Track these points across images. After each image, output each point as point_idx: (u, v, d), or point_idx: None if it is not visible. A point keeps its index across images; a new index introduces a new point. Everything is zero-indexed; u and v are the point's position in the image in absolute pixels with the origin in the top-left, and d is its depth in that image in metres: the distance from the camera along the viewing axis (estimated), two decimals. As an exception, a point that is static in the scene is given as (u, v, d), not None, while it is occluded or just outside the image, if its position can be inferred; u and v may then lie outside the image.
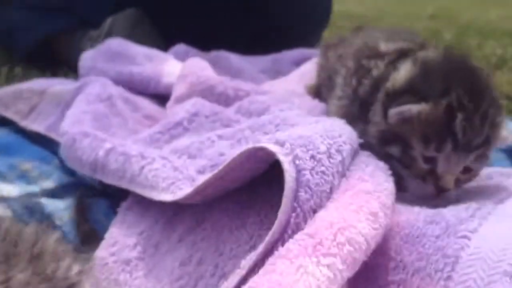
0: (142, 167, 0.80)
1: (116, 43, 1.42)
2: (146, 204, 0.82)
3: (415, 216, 0.70)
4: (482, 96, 0.77)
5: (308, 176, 0.61)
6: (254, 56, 1.76)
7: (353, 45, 0.97)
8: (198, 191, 0.71)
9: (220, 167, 0.68)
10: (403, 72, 0.81)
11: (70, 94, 1.11)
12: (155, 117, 1.20)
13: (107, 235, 0.82)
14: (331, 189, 0.65)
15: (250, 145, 0.66)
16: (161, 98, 1.29)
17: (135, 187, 0.80)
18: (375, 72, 0.85)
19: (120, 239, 0.80)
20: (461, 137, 0.74)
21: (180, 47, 1.63)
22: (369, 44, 0.92)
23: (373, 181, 0.68)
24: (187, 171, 0.77)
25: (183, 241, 0.75)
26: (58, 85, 1.19)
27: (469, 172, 0.79)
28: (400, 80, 0.81)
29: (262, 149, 0.64)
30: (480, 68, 0.83)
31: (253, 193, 0.75)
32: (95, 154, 0.86)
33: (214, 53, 1.67)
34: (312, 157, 0.64)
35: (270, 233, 0.58)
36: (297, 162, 0.62)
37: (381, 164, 0.75)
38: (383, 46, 0.90)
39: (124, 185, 0.83)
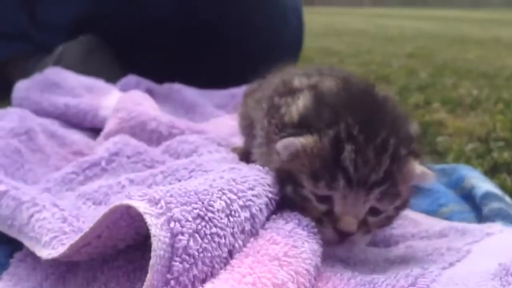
0: (31, 216, 0.70)
1: (54, 73, 1.33)
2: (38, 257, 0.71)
3: (344, 283, 0.61)
4: (378, 126, 0.67)
5: (186, 241, 0.51)
6: (212, 90, 1.68)
7: (271, 85, 0.87)
8: (77, 249, 0.60)
9: (91, 225, 0.57)
10: (300, 104, 0.72)
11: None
12: (85, 153, 1.09)
13: (-8, 291, 0.70)
14: (230, 252, 0.54)
15: (118, 202, 0.55)
16: (100, 132, 1.20)
17: (23, 238, 0.70)
18: (283, 110, 0.75)
19: (5, 296, 0.68)
20: (352, 172, 0.64)
21: (131, 78, 1.55)
22: (285, 82, 0.82)
23: (286, 243, 0.58)
24: (77, 222, 0.67)
25: (67, 303, 0.64)
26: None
27: (378, 214, 0.69)
28: (294, 112, 0.72)
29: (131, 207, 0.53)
30: (385, 97, 0.75)
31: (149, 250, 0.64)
32: (-13, 198, 0.75)
33: (167, 86, 1.60)
34: (198, 217, 0.53)
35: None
36: (172, 224, 0.51)
37: (305, 221, 0.65)
38: (297, 82, 0.80)
39: (13, 234, 0.72)
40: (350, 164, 0.64)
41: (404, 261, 0.69)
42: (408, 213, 0.88)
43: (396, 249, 0.75)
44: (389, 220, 0.72)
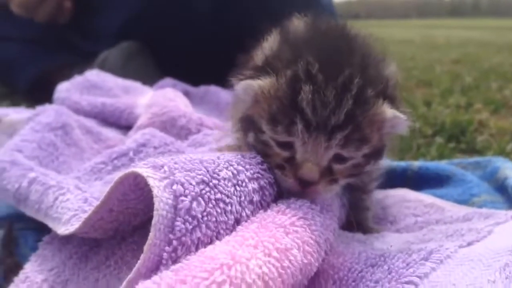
0: (56, 198, 0.73)
1: (93, 75, 1.38)
2: (65, 238, 0.75)
3: (354, 257, 0.60)
4: (341, 65, 0.61)
5: (189, 203, 0.51)
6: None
7: None
8: (91, 225, 0.62)
9: (102, 199, 0.59)
10: (266, 46, 0.69)
11: (22, 124, 1.06)
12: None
13: (21, 271, 0.74)
14: (237, 221, 0.55)
15: (123, 173, 0.57)
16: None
17: (48, 220, 0.73)
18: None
19: (30, 276, 0.72)
20: (310, 115, 0.59)
21: (168, 81, 1.59)
22: None
23: (294, 214, 0.58)
24: (96, 202, 0.69)
25: (87, 279, 0.66)
26: (13, 114, 1.14)
27: (344, 161, 0.63)
28: (259, 56, 0.68)
29: (140, 175, 0.54)
30: (356, 35, 0.68)
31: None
32: (19, 184, 0.80)
33: (203, 88, 1.62)
34: (203, 182, 0.54)
35: (134, 269, 0.48)
36: (174, 187, 0.52)
37: (320, 199, 0.65)
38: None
39: (40, 217, 0.75)
40: (307, 106, 0.59)
41: (423, 241, 0.67)
42: (435, 201, 0.86)
43: (418, 233, 0.74)
44: (357, 169, 0.65)
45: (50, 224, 0.73)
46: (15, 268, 0.79)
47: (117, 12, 1.85)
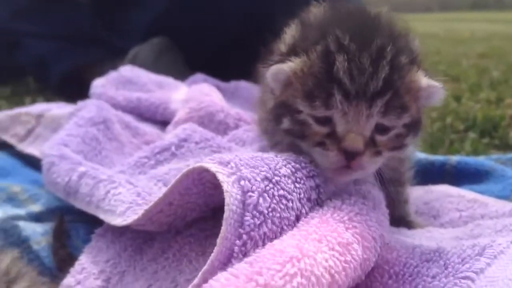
0: (108, 192, 0.75)
1: (128, 70, 1.40)
2: (119, 231, 0.77)
3: (409, 252, 0.61)
4: (372, 35, 0.61)
5: (256, 199, 0.53)
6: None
7: None
8: (149, 217, 0.64)
9: (165, 191, 0.61)
10: (287, 36, 0.69)
11: (64, 118, 1.08)
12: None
13: (76, 262, 0.76)
14: (297, 217, 0.56)
15: (190, 166, 0.58)
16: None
17: (100, 213, 0.75)
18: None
19: (87, 267, 0.74)
20: (348, 83, 0.59)
21: (199, 76, 1.61)
22: None
23: (351, 210, 0.59)
24: (149, 197, 0.71)
25: (145, 270, 0.68)
26: (55, 109, 1.16)
27: (386, 132, 0.63)
28: (282, 46, 0.68)
29: (206, 170, 0.56)
30: (378, 12, 0.68)
31: (220, 221, 0.67)
32: (69, 178, 0.82)
33: (233, 83, 1.63)
34: (266, 178, 0.55)
35: (208, 261, 0.50)
36: (242, 182, 0.53)
37: (371, 195, 0.66)
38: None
39: (91, 210, 0.77)
40: (344, 75, 0.59)
41: (472, 237, 0.68)
42: (477, 196, 0.86)
43: (464, 228, 0.74)
44: (399, 140, 0.64)
45: (102, 216, 0.75)
46: (68, 259, 0.82)
47: (149, 8, 1.87)
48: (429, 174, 1.00)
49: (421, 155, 1.05)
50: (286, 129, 0.65)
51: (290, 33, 0.69)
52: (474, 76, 2.78)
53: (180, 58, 1.87)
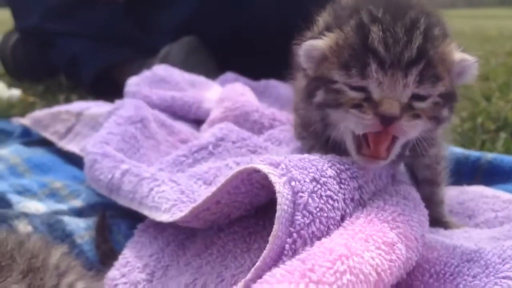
0: (151, 189, 0.78)
1: (161, 69, 1.43)
2: (160, 227, 0.80)
3: (449, 252, 0.62)
4: (404, 8, 0.63)
5: (306, 199, 0.55)
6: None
7: None
8: (195, 214, 0.66)
9: (214, 190, 0.63)
10: (320, 21, 0.71)
11: (102, 117, 1.11)
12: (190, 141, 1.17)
13: (120, 256, 0.79)
14: (342, 217, 0.58)
15: (241, 167, 0.61)
16: (203, 123, 1.27)
17: (143, 209, 0.78)
18: None
19: (131, 261, 0.77)
20: (383, 52, 0.60)
21: (229, 75, 1.63)
22: None
23: (393, 210, 0.61)
24: (193, 195, 0.74)
25: (189, 265, 0.71)
26: (94, 108, 1.20)
27: (423, 100, 0.63)
28: (317, 28, 0.70)
29: (256, 170, 0.58)
30: None
31: (262, 219, 0.69)
32: (112, 175, 0.85)
33: (263, 82, 1.65)
34: (314, 179, 0.57)
35: (261, 258, 0.52)
36: (292, 183, 0.55)
37: (411, 196, 0.67)
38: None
39: (134, 206, 0.80)
40: (379, 44, 0.60)
41: (510, 237, 0.69)
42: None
43: (500, 229, 0.75)
44: (437, 108, 0.64)
45: (146, 212, 0.77)
46: (111, 254, 0.85)
47: (181, 8, 1.89)
48: (463, 169, 1.00)
49: (457, 149, 1.05)
50: (319, 102, 0.67)
51: (322, 19, 0.71)
52: (503, 75, 2.74)
53: (210, 57, 1.89)
